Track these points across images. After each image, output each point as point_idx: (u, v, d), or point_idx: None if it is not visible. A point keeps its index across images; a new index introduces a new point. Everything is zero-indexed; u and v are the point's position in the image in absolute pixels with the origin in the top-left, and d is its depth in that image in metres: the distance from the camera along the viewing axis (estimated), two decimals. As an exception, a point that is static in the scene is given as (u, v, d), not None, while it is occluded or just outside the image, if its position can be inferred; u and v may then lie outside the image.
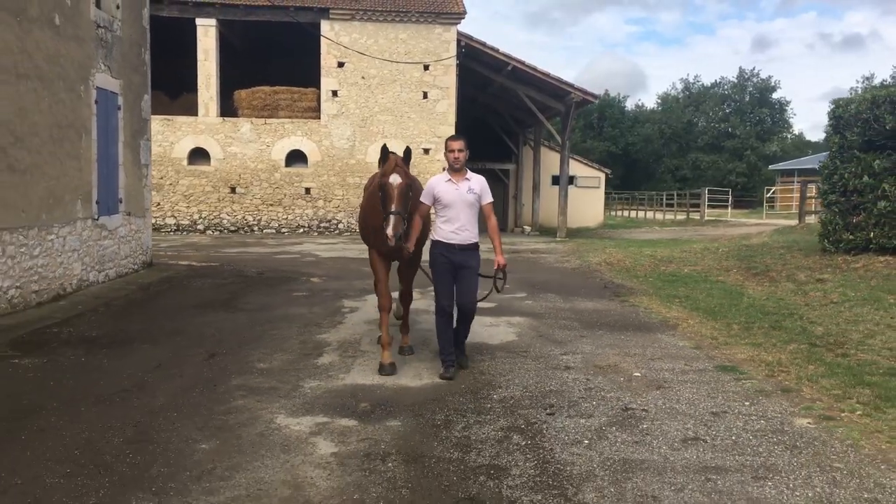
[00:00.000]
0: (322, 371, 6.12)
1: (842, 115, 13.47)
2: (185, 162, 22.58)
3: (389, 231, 5.67)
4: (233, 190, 22.94)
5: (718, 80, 72.42)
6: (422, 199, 6.19)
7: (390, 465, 4.06)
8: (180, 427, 4.64)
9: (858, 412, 5.00)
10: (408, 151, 6.27)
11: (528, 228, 29.01)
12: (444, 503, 3.61)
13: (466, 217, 5.99)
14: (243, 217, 23.03)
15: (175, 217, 22.67)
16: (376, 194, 6.13)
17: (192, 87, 22.87)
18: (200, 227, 22.78)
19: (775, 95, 68.10)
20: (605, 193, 54.59)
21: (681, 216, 36.50)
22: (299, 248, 18.19)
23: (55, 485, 3.75)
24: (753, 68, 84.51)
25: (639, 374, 6.08)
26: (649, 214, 42.63)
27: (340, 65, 22.83)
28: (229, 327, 7.93)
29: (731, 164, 63.84)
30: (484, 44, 23.40)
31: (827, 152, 14.15)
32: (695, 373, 6.15)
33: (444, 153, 6.18)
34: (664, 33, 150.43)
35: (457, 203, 5.96)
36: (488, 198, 6.14)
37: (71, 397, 5.27)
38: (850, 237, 12.92)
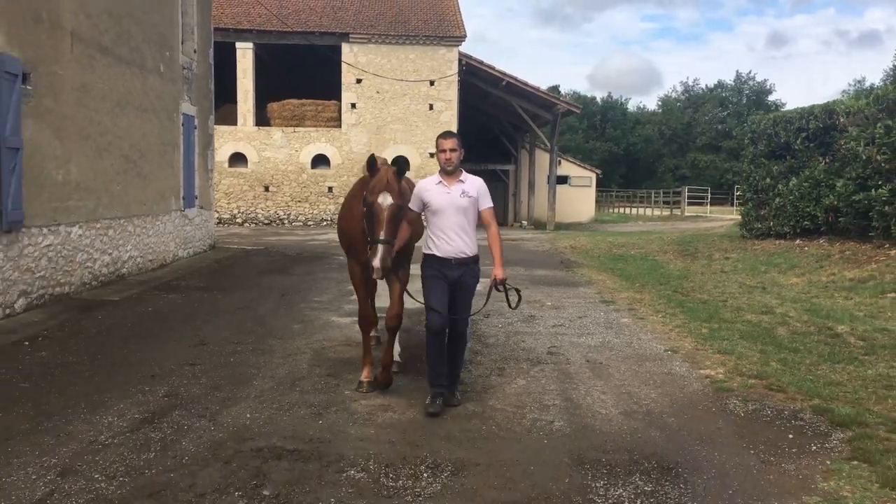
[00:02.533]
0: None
1: (755, 129, 17.18)
2: (226, 165, 26.48)
3: (376, 263, 4.91)
4: (266, 189, 26.83)
5: (717, 84, 75.79)
6: (409, 204, 5.35)
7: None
8: (281, 319, 8.46)
9: (660, 315, 8.77)
10: (403, 162, 5.50)
11: (525, 223, 32.72)
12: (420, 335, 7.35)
13: (460, 225, 5.19)
14: (275, 212, 26.92)
15: (218, 212, 26.54)
16: (357, 198, 5.50)
17: (230, 98, 26.73)
18: (239, 220, 26.69)
19: (771, 98, 71.33)
20: (605, 191, 58.47)
21: (666, 213, 40.09)
22: (325, 236, 21.98)
23: (225, 337, 7.55)
24: (750, 71, 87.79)
25: (549, 303, 9.85)
26: (644, 211, 46.19)
27: (358, 81, 26.66)
28: (287, 283, 11.73)
29: (729, 164, 67.13)
30: (482, 62, 27.15)
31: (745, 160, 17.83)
32: (584, 303, 9.92)
33: (436, 153, 5.38)
34: (681, 30, 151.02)
35: (448, 209, 5.16)
36: (487, 202, 5.31)
37: (210, 310, 9.09)
38: (759, 226, 16.63)
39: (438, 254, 5.23)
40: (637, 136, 71.12)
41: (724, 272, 13.46)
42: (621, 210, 50.88)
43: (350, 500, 3.72)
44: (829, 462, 4.27)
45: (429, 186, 5.30)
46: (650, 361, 6.66)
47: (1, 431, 4.58)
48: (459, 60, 26.81)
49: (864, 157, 12.83)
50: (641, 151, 71.72)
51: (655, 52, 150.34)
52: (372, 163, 5.27)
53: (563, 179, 35.57)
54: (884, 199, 12.15)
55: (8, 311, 8.12)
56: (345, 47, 26.42)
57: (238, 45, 26.09)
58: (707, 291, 10.88)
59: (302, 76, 29.28)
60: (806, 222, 14.72)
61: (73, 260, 9.77)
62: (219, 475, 3.97)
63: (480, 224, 5.30)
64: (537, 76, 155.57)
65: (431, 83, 26.78)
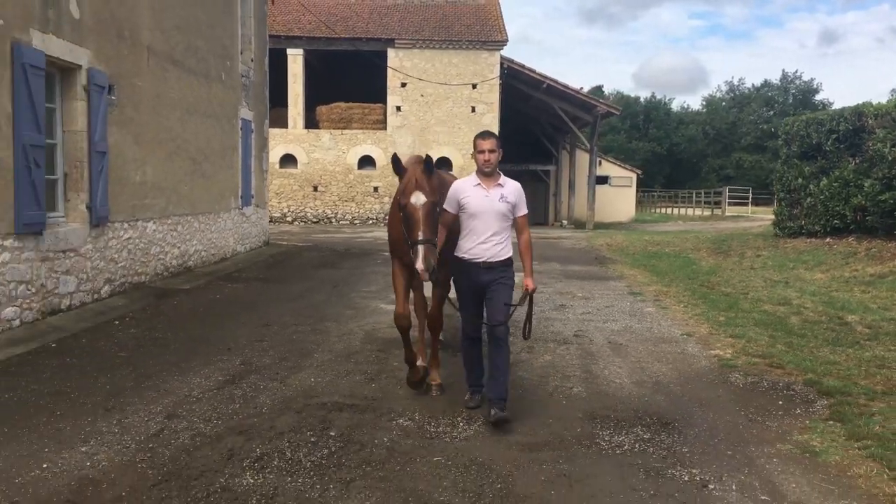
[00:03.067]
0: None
1: (788, 131, 17.61)
2: (277, 166, 27.68)
3: (420, 265, 4.78)
4: (315, 188, 27.98)
5: (763, 83, 75.07)
6: (445, 206, 5.19)
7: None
8: (334, 306, 9.38)
9: (683, 305, 9.46)
10: (428, 160, 5.15)
11: (565, 222, 33.32)
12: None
13: (495, 230, 5.01)
14: (323, 211, 28.05)
15: (269, 210, 27.77)
16: (396, 211, 5.30)
17: (281, 102, 27.91)
18: (289, 218, 27.88)
19: (818, 97, 70.43)
20: (647, 192, 58.59)
21: (707, 213, 40.24)
22: (371, 234, 22.98)
23: (286, 320, 8.48)
24: (796, 71, 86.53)
25: (580, 295, 10.59)
26: (686, 211, 46.29)
27: (403, 85, 27.62)
28: (338, 276, 12.67)
29: (773, 164, 66.48)
30: (523, 65, 27.88)
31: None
32: (613, 294, 10.64)
33: (473, 154, 5.25)
34: (730, 27, 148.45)
35: (486, 213, 5.00)
36: (523, 209, 5.15)
37: (270, 298, 10.06)
38: (791, 224, 17.08)
39: (468, 257, 5.05)
40: (680, 136, 70.88)
41: (752, 269, 14.01)
42: (663, 210, 50.99)
43: (399, 440, 4.57)
44: (808, 422, 4.98)
45: (466, 188, 5.11)
46: (666, 343, 7.39)
47: (112, 388, 5.55)
48: (501, 64, 27.58)
49: (889, 158, 13.28)
50: (685, 151, 71.44)
51: (703, 51, 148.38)
52: (396, 163, 5.18)
53: (603, 179, 36.05)
54: (909, 198, 12.59)
55: (95, 296, 9.19)
56: (390, 52, 27.40)
57: (289, 51, 27.26)
58: (732, 285, 11.50)
59: (349, 80, 30.36)
60: (836, 221, 15.15)
61: (148, 252, 10.85)
62: (293, 420, 4.86)
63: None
64: (582, 76, 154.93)
65: (474, 86, 27.60)
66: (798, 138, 16.98)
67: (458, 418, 4.99)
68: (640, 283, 12.10)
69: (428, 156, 5.22)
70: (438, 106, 27.72)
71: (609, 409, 5.22)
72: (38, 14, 7.85)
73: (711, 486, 3.92)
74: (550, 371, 6.26)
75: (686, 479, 4.01)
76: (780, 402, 5.43)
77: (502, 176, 5.22)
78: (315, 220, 27.99)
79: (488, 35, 27.60)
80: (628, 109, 74.73)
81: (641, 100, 77.27)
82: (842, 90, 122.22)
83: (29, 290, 7.71)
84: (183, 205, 12.28)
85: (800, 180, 16.66)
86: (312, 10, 27.76)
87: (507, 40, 27.47)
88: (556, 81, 27.72)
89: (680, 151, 71.22)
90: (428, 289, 5.74)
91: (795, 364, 6.40)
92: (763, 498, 3.79)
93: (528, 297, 5.10)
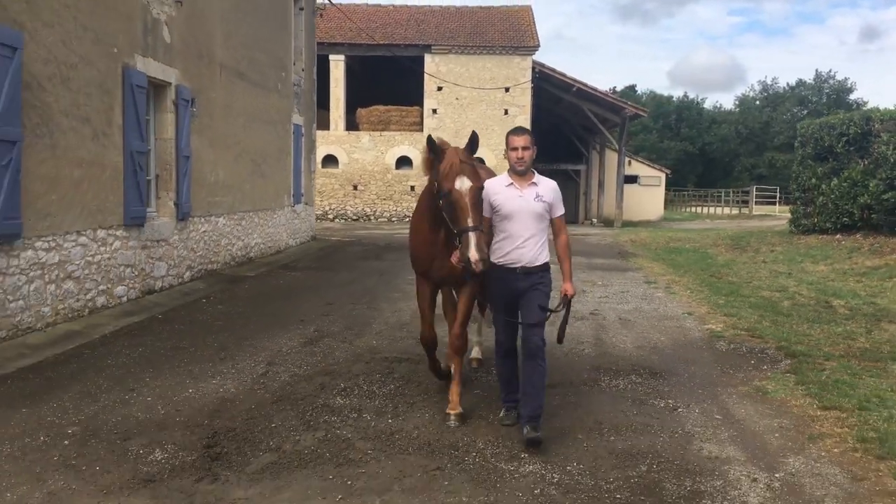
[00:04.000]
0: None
1: (804, 134, 18.68)
2: (319, 166, 29.26)
3: (472, 253, 4.34)
4: (355, 187, 29.55)
5: (797, 82, 75.14)
6: None
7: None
8: (383, 290, 10.82)
9: (689, 291, 10.73)
10: (475, 138, 4.81)
11: (594, 220, 34.48)
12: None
13: (532, 232, 4.71)
14: (362, 209, 29.60)
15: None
16: (427, 210, 5.03)
17: (323, 105, 29.45)
18: (330, 216, 29.49)
19: (853, 96, 70.36)
20: (679, 191, 59.30)
21: (735, 211, 41.05)
22: (408, 231, 24.43)
23: (344, 300, 9.92)
24: (830, 70, 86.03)
25: (600, 283, 11.90)
26: (715, 210, 47.04)
27: (439, 88, 29.04)
28: (382, 266, 14.11)
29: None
30: (553, 70, 29.13)
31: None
32: (629, 283, 11.93)
33: (506, 151, 4.91)
34: (769, 24, 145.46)
35: (520, 214, 4.70)
36: (560, 209, 4.86)
37: (326, 284, 11.53)
38: (805, 222, 18.15)
39: (503, 262, 4.69)
40: (713, 136, 71.31)
41: (763, 262, 15.15)
42: (694, 209, 51.72)
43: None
44: (769, 374, 6.26)
45: (498, 188, 4.75)
46: (668, 319, 8.70)
47: (219, 346, 7.04)
48: (533, 68, 28.86)
49: (892, 160, 14.34)
50: (717, 151, 71.84)
51: (741, 48, 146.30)
52: (432, 144, 4.72)
53: (633, 179, 37.07)
54: (907, 197, 13.66)
55: (180, 280, 10.75)
56: (427, 58, 28.85)
57: (331, 57, 28.84)
58: (739, 276, 12.70)
59: (387, 84, 31.87)
60: (845, 219, 16.23)
61: (219, 244, 12.40)
62: (364, 367, 6.29)
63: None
64: (615, 74, 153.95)
65: (506, 90, 28.92)
66: (812, 141, 18.05)
67: (492, 368, 6.37)
68: (656, 273, 13.36)
69: (474, 132, 4.83)
70: (473, 109, 29.09)
71: (611, 364, 6.56)
72: (141, 41, 9.40)
73: (680, 409, 5.26)
74: (567, 340, 7.54)
75: (662, 405, 5.35)
76: (752, 361, 6.72)
77: (536, 174, 4.82)
78: (355, 217, 29.55)
79: (521, 41, 28.90)
80: (660, 109, 75.36)
81: (674, 99, 77.89)
82: (882, 88, 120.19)
83: (133, 272, 9.28)
84: (246, 202, 13.83)
85: (813, 180, 17.73)
86: (353, 18, 29.29)
87: (538, 45, 28.74)
88: (585, 84, 28.93)
89: (712, 151, 71.64)
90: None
91: (773, 335, 7.67)
92: (717, 417, 5.11)
93: (567, 303, 4.82)
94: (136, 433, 4.63)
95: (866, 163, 15.88)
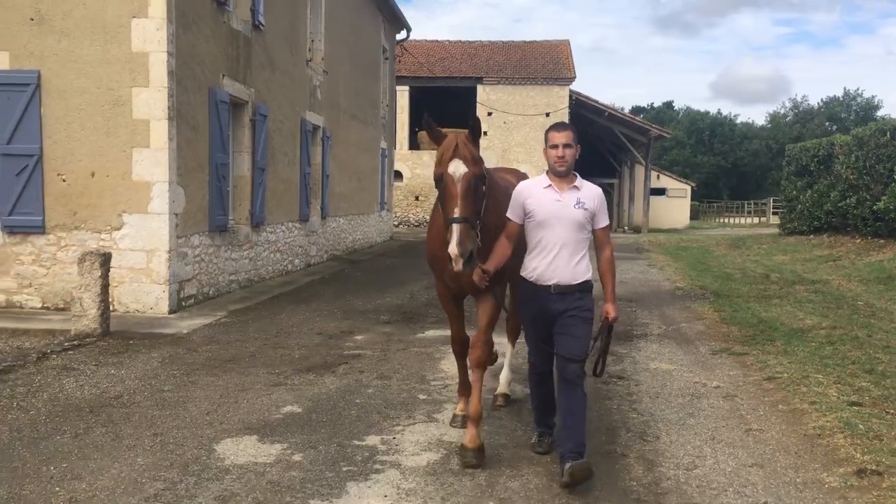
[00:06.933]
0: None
1: (789, 155, 23.08)
2: (386, 180, 34.38)
3: (452, 248, 3.79)
4: (416, 198, 34.51)
5: (829, 99, 78.44)
6: (507, 213, 4.26)
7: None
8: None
9: (673, 269, 15.33)
10: (476, 123, 4.32)
11: (626, 228, 38.92)
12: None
13: (569, 244, 4.06)
14: (423, 216, 34.53)
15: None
16: (436, 209, 4.53)
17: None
18: (395, 222, 34.50)
19: (879, 113, 73.40)
20: (711, 202, 63.13)
21: (755, 221, 45.09)
22: (464, 234, 29.25)
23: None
24: (857, 88, 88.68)
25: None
26: (738, 220, 50.95)
27: (489, 114, 33.90)
28: (454, 256, 18.88)
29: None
30: (588, 97, 33.80)
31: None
32: (634, 265, 16.52)
33: (544, 149, 4.28)
34: (817, 34, 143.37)
35: (557, 221, 4.05)
36: (604, 219, 4.19)
37: (413, 267, 16.33)
38: (789, 226, 22.53)
39: (535, 279, 4.15)
40: (744, 151, 74.92)
41: (746, 255, 19.58)
42: (723, 220, 55.62)
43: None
44: (699, 303, 10.83)
45: (534, 190, 4.20)
46: (652, 282, 13.32)
47: (373, 289, 11.87)
48: (570, 96, 33.55)
49: (844, 177, 18.71)
50: (749, 165, 75.41)
51: (787, 59, 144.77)
52: (430, 126, 4.37)
53: (661, 191, 41.40)
54: (852, 205, 18.03)
55: (321, 259, 15.69)
56: (479, 88, 33.77)
57: (398, 87, 33.88)
58: (719, 262, 17.21)
59: (444, 109, 36.80)
60: (815, 222, 20.59)
61: (339, 237, 17.35)
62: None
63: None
64: (656, 86, 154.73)
65: (547, 115, 33.63)
66: (794, 161, 22.45)
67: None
68: (658, 261, 17.93)
69: (476, 117, 4.41)
70: (518, 131, 33.88)
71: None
72: (308, 101, 14.39)
73: (639, 313, 9.90)
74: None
75: (629, 310, 10.01)
76: (691, 297, 11.33)
77: (579, 177, 4.24)
78: (416, 223, 34.50)
79: (559, 73, 33.64)
80: (694, 125, 79.17)
81: (711, 114, 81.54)
82: (882, 111, 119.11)
83: (302, 251, 14.25)
84: (353, 208, 18.80)
85: (794, 192, 22.11)
86: (415, 54, 34.38)
87: (574, 77, 33.45)
88: (615, 110, 33.53)
89: (744, 165, 75.23)
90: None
91: (713, 288, 12.24)
92: (655, 313, 9.77)
93: (608, 329, 4.21)
94: (368, 311, 9.49)
95: (830, 178, 20.22)
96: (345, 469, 4.14)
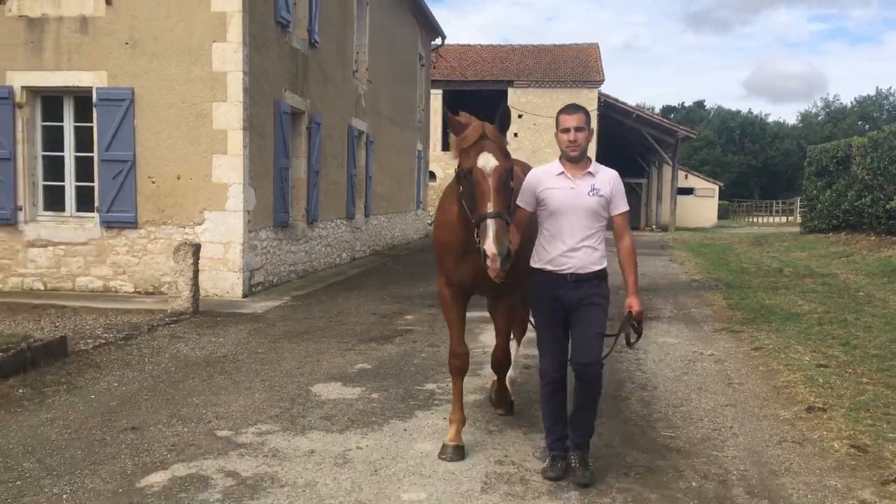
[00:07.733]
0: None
1: (810, 156, 23.93)
2: (420, 180, 35.70)
3: (489, 245, 3.54)
4: (449, 198, 35.78)
5: (862, 98, 78.19)
6: (518, 201, 4.09)
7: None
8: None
9: (693, 264, 16.41)
10: (505, 112, 4.04)
11: (654, 226, 39.80)
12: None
13: (587, 232, 3.97)
14: (455, 215, 35.82)
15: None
16: (450, 197, 4.25)
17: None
18: (428, 220, 35.80)
19: (913, 111, 73.00)
20: (742, 202, 63.54)
21: (783, 219, 45.63)
22: (496, 232, 30.47)
23: (408, 279, 15.97)
24: (889, 87, 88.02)
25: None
26: (767, 219, 51.41)
27: (520, 116, 35.05)
28: (486, 252, 20.11)
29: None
30: (616, 100, 34.79)
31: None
32: (657, 261, 17.61)
33: (556, 134, 4.09)
34: (854, 30, 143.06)
35: (573, 209, 3.93)
36: (622, 205, 4.06)
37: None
38: (809, 224, 23.38)
39: (551, 268, 3.98)
40: (775, 150, 75.02)
41: (766, 252, 20.53)
42: (752, 219, 56.05)
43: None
44: (712, 293, 11.94)
45: (545, 178, 4.02)
46: (670, 274, 14.42)
47: (417, 278, 13.15)
48: (599, 98, 34.55)
49: (860, 177, 19.59)
50: (780, 164, 75.47)
51: (823, 55, 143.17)
52: (451, 120, 4.14)
53: (689, 191, 42.19)
54: (867, 204, 18.91)
55: (364, 254, 17.02)
56: (510, 91, 34.95)
57: (432, 91, 35.21)
58: (738, 258, 18.21)
59: (476, 112, 37.77)
60: (833, 221, 21.45)
61: (379, 234, 18.68)
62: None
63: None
64: (688, 84, 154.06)
65: (576, 117, 34.66)
66: (815, 161, 23.30)
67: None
68: (679, 257, 18.97)
69: (506, 106, 4.13)
70: (547, 133, 34.94)
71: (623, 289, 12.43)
72: (354, 109, 15.72)
73: (654, 301, 11.04)
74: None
75: (646, 298, 11.16)
76: (707, 288, 12.43)
77: (593, 162, 4.06)
78: (449, 222, 35.79)
79: (588, 76, 34.68)
80: (725, 125, 79.42)
81: (742, 113, 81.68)
82: None
83: (348, 245, 15.59)
84: (392, 207, 20.12)
85: (814, 192, 22.97)
86: (447, 58, 35.66)
87: (603, 80, 34.47)
88: (642, 112, 34.48)
89: (775, 164, 75.32)
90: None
91: (727, 280, 13.33)
92: (670, 301, 10.91)
93: (631, 324, 4.12)
94: (413, 297, 10.76)
95: (848, 179, 21.07)
96: (412, 403, 5.45)
